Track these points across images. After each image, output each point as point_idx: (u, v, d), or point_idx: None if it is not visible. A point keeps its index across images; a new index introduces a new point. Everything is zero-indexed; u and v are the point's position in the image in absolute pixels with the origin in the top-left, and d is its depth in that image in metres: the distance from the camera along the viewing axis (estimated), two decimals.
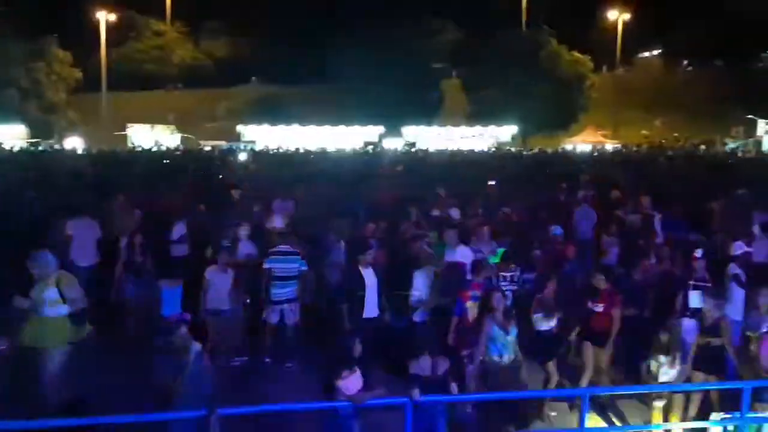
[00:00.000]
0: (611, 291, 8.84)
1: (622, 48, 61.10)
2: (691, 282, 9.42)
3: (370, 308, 9.26)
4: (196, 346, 6.38)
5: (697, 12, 55.65)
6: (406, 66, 57.18)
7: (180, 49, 73.59)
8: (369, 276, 9.32)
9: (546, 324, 8.63)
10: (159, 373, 6.19)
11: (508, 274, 9.88)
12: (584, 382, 8.65)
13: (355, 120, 54.95)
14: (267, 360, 10.09)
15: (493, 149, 47.67)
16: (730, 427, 7.19)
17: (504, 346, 7.99)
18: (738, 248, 11.08)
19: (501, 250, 10.67)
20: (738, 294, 9.65)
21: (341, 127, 55.33)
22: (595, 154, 41.42)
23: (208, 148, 45.52)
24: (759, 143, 53.12)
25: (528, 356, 8.52)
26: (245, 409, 6.82)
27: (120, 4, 59.74)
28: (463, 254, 10.32)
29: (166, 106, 61.04)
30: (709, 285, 9.44)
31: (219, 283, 9.73)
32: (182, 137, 55.07)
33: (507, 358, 7.97)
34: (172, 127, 56.98)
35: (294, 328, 10.21)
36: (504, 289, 9.30)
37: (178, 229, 12.20)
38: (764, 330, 7.96)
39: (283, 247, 10.20)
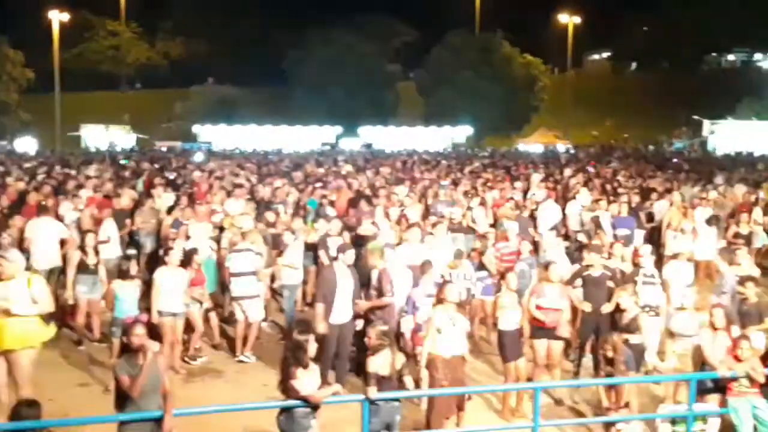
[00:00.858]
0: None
1: (573, 51, 62.41)
2: (639, 278, 9.82)
3: (343, 311, 9.10)
4: (153, 346, 6.31)
5: (643, 16, 57.05)
6: (363, 67, 57.61)
7: (135, 50, 72.84)
8: (344, 277, 9.19)
9: (507, 323, 8.73)
10: (116, 375, 6.09)
11: (462, 272, 10.18)
12: (536, 376, 8.79)
13: (311, 120, 55.12)
14: (237, 358, 10.21)
15: (449, 149, 48.40)
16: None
17: (452, 338, 7.89)
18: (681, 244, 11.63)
19: (456, 248, 11.02)
20: (680, 289, 9.88)
21: (298, 128, 55.42)
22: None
23: (164, 149, 45.36)
24: (704, 143, 54.78)
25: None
26: (200, 409, 7.05)
27: (73, 3, 58.96)
28: (420, 253, 10.51)
29: (121, 107, 60.52)
30: (657, 281, 9.92)
31: (169, 284, 9.64)
32: (137, 138, 54.65)
33: (456, 350, 7.88)
34: (127, 127, 56.49)
35: (258, 325, 10.39)
36: (458, 285, 9.42)
37: (106, 230, 12.13)
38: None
39: (243, 245, 10.53)
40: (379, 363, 6.85)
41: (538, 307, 8.79)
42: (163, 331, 9.48)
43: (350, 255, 9.33)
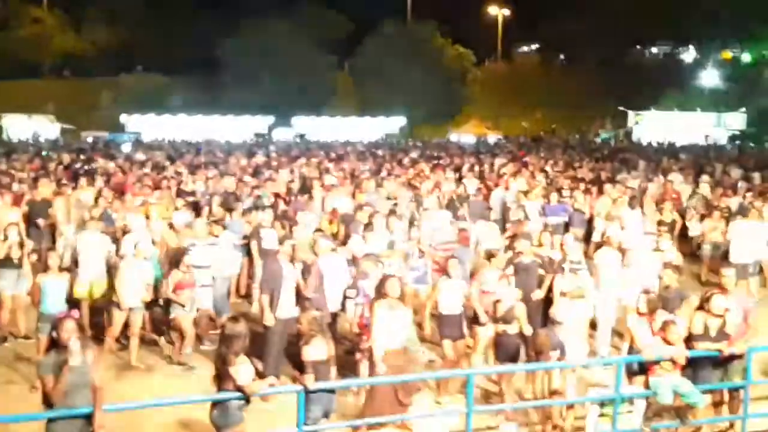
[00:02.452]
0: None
1: (503, 43, 63.44)
2: (565, 265, 10.07)
3: (288, 306, 9.10)
4: (82, 341, 6.08)
5: (570, 8, 58.26)
6: (296, 57, 57.13)
7: (59, 37, 70.48)
8: (289, 269, 9.21)
9: (448, 307, 8.99)
10: (39, 374, 5.95)
11: (395, 262, 10.23)
12: (475, 361, 8.97)
13: (243, 110, 54.45)
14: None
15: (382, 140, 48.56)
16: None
17: (393, 331, 7.95)
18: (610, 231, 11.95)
19: (390, 240, 11.08)
20: (609, 275, 10.36)
21: (229, 118, 54.66)
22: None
23: (89, 139, 44.15)
24: (629, 134, 56.45)
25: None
26: (133, 404, 7.03)
27: None
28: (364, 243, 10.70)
29: (45, 96, 58.50)
30: (583, 267, 10.20)
31: (128, 276, 9.62)
32: (62, 128, 52.98)
33: (396, 343, 7.90)
34: (52, 117, 54.71)
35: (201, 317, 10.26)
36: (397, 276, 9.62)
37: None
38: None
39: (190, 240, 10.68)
40: (314, 351, 6.89)
41: (483, 292, 8.97)
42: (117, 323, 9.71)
43: (289, 246, 9.35)
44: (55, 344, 6.03)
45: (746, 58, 62.83)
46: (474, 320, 9.07)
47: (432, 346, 9.76)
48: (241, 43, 56.84)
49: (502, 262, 9.44)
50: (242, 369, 6.33)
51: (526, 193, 15.93)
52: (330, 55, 61.97)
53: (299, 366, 6.99)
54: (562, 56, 69.42)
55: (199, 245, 10.60)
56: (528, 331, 8.38)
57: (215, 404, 6.41)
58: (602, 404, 7.52)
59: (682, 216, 15.61)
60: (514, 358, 8.28)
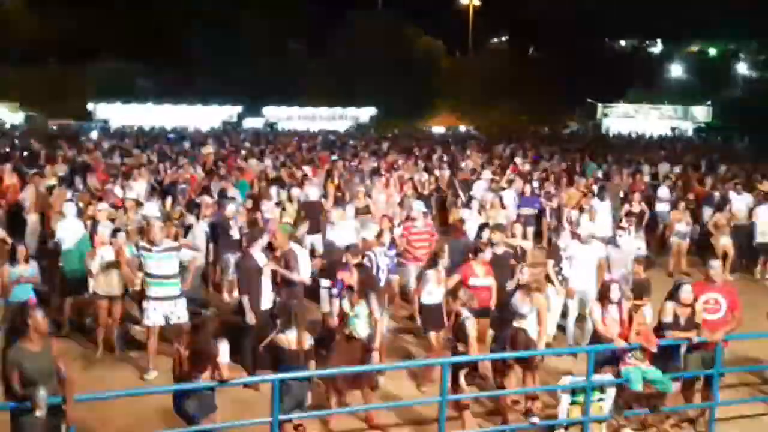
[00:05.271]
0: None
1: (474, 35, 63.45)
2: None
3: (267, 298, 9.06)
4: (45, 330, 5.99)
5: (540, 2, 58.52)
6: (266, 45, 56.65)
7: (24, 23, 68.97)
8: (263, 262, 9.11)
9: (429, 297, 9.13)
10: (6, 360, 5.80)
11: (383, 250, 10.28)
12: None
13: (213, 99, 53.93)
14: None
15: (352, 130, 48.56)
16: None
17: (353, 320, 7.97)
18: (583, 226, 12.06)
19: (376, 226, 11.12)
20: (579, 266, 10.32)
21: (198, 106, 54.15)
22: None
23: (54, 127, 43.45)
24: (598, 126, 57.08)
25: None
26: (104, 394, 6.96)
27: None
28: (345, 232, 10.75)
29: (8, 83, 57.28)
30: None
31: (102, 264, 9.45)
32: (27, 115, 52.02)
33: (359, 332, 7.94)
34: (16, 104, 53.68)
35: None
36: (380, 264, 9.76)
37: None
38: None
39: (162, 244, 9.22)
40: (286, 339, 6.92)
41: (468, 285, 9.00)
42: (99, 313, 9.48)
43: (265, 239, 9.30)
44: (18, 333, 5.91)
45: (712, 51, 63.73)
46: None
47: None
48: (210, 30, 56.18)
49: (488, 256, 9.48)
50: (223, 349, 6.34)
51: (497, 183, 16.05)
52: (300, 44, 61.55)
53: (274, 355, 6.98)
54: (532, 48, 69.67)
55: (155, 252, 9.07)
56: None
57: (186, 395, 6.35)
58: (573, 392, 7.60)
59: (650, 206, 15.87)
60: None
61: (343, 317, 8.06)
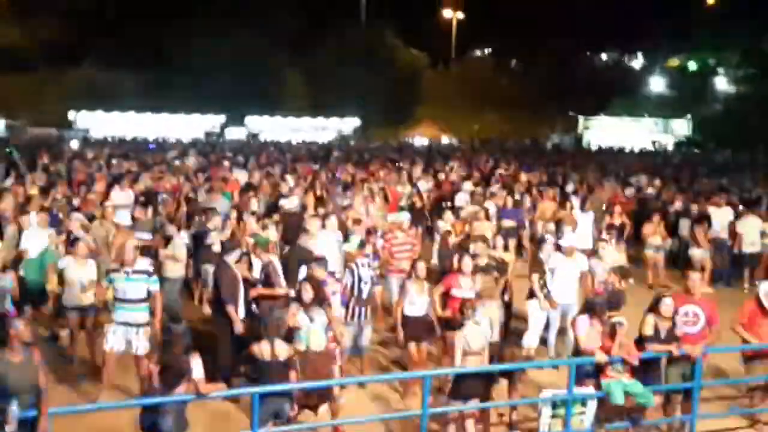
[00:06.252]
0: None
1: (457, 46, 63.82)
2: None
3: (242, 307, 9.06)
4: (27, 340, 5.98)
5: (523, 13, 58.98)
6: (249, 55, 56.51)
7: (4, 30, 68.43)
8: (241, 273, 9.17)
9: (411, 308, 9.14)
10: None
11: (366, 261, 10.17)
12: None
13: (195, 108, 53.74)
14: None
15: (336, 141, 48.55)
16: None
17: (308, 334, 7.83)
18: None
19: (357, 238, 11.06)
20: (562, 279, 10.35)
21: (181, 116, 53.93)
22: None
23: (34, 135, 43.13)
24: (579, 138, 57.49)
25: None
26: (76, 408, 6.94)
27: None
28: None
29: None
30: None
31: (75, 276, 9.17)
32: (7, 123, 51.56)
33: (313, 346, 7.80)
34: None
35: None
36: (363, 276, 9.62)
37: None
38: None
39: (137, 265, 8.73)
40: (260, 350, 6.95)
41: (455, 298, 9.04)
42: (70, 326, 9.26)
43: (237, 253, 9.27)
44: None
45: (692, 66, 64.42)
46: (447, 325, 9.03)
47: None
48: (193, 40, 56.02)
49: (469, 267, 9.49)
50: (196, 363, 6.30)
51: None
52: (283, 54, 61.51)
53: (252, 365, 6.98)
54: (514, 61, 70.14)
55: (125, 275, 8.52)
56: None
57: (159, 412, 6.20)
58: (554, 405, 7.58)
59: (632, 219, 15.98)
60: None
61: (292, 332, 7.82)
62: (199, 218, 12.55)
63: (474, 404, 7.53)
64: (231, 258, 9.14)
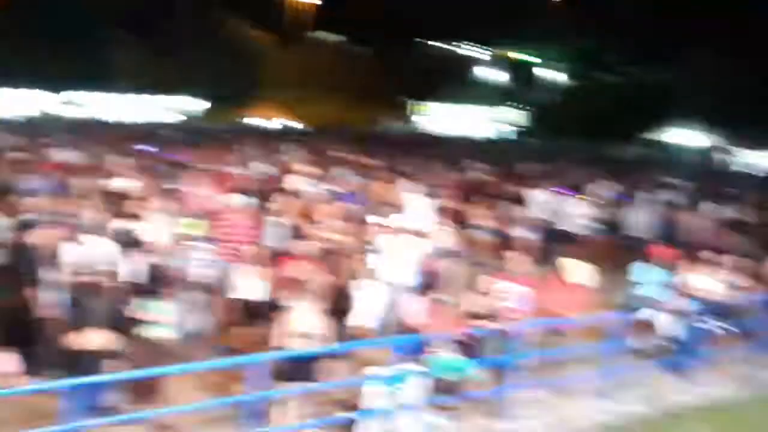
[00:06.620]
0: None
1: (303, 28, 63.26)
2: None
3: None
4: None
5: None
6: (78, 28, 53.17)
7: None
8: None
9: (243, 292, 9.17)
10: None
11: (196, 245, 9.99)
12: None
13: (11, 83, 49.85)
14: None
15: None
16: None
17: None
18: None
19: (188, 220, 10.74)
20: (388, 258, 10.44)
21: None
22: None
23: None
24: (411, 125, 59.17)
25: None
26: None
27: None
28: None
29: None
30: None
31: None
32: None
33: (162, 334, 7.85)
34: None
35: None
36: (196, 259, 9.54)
37: None
38: None
39: None
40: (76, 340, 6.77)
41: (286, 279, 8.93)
42: None
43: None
44: None
45: (521, 57, 67.21)
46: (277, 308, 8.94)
47: None
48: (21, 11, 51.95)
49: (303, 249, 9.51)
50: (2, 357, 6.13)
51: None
52: (121, 30, 58.45)
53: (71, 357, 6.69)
54: (356, 46, 70.41)
55: None
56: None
57: None
58: (378, 382, 7.71)
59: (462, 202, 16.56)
60: None
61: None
62: None
63: (298, 386, 7.55)
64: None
